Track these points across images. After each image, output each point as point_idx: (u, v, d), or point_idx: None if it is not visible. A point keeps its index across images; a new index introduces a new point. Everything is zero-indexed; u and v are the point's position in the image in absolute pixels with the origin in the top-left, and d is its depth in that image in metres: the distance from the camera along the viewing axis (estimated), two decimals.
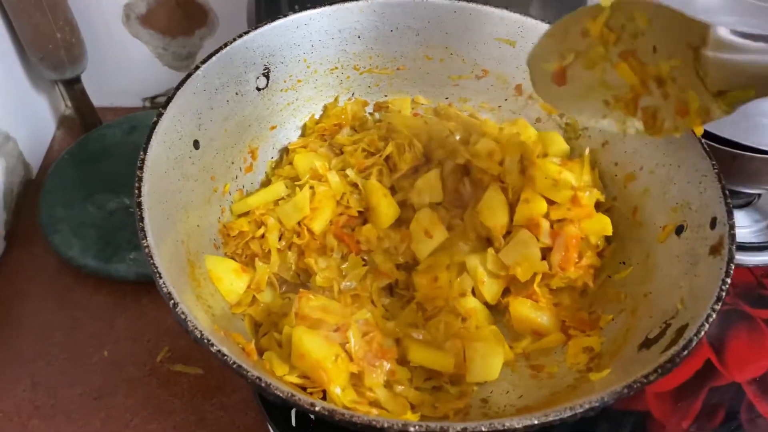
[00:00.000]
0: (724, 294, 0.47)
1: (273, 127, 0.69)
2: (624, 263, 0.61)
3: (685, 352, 0.43)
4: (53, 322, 0.73)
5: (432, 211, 0.63)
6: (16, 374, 0.69)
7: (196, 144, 0.57)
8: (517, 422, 0.38)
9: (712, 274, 0.49)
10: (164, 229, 0.50)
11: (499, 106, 0.73)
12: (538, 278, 0.60)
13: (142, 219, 0.47)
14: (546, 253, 0.61)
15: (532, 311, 0.60)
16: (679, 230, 0.56)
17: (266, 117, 0.67)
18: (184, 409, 0.67)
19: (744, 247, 0.77)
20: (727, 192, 0.53)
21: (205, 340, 0.41)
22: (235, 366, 0.40)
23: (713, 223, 0.52)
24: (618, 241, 0.62)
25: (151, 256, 0.45)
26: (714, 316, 0.45)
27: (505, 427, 0.37)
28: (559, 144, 0.69)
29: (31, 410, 0.66)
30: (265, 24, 0.62)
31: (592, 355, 0.55)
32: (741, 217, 0.80)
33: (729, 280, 0.47)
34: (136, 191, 0.48)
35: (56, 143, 0.94)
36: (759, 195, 0.82)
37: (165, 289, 0.44)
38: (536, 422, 0.38)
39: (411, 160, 0.65)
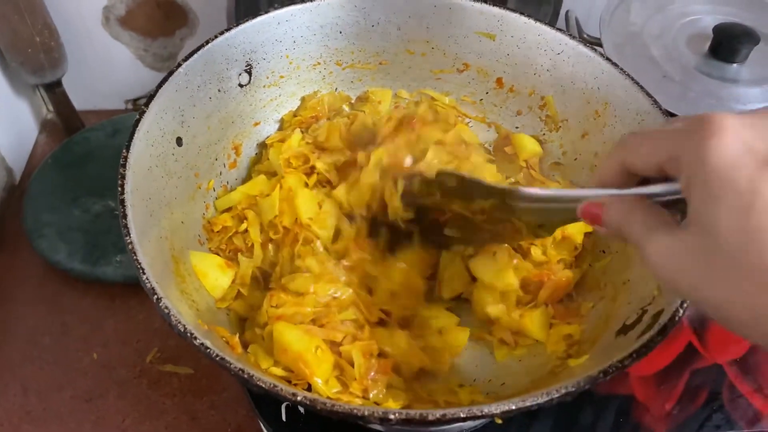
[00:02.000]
0: None
1: (256, 123, 0.69)
2: (604, 252, 0.62)
3: (660, 338, 0.44)
4: (42, 326, 0.73)
5: None
6: (5, 380, 0.69)
7: (179, 141, 0.57)
8: (495, 408, 0.39)
9: None
10: (148, 225, 0.50)
11: (481, 100, 0.73)
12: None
13: (125, 216, 0.47)
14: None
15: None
16: None
17: (249, 113, 0.68)
18: (175, 408, 0.67)
19: None
20: None
21: (189, 334, 0.42)
22: (218, 359, 0.41)
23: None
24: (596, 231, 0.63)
25: (135, 252, 0.45)
26: (686, 303, 0.45)
27: (483, 413, 0.38)
28: (531, 146, 0.70)
29: (23, 415, 0.67)
30: (247, 21, 0.62)
31: (571, 342, 0.56)
32: None
33: None
34: (119, 189, 0.48)
35: (39, 148, 0.93)
36: None
37: (149, 285, 0.44)
38: (513, 407, 0.39)
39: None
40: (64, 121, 0.92)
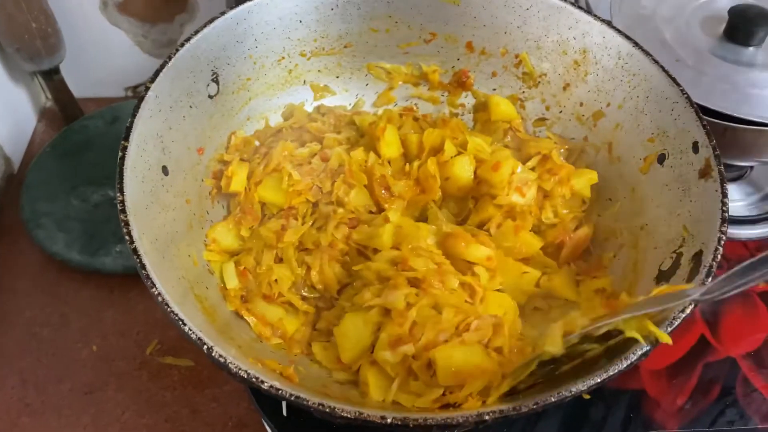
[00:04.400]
0: (726, 215, 0.48)
1: (233, 133, 0.66)
2: (610, 200, 0.62)
3: (709, 279, 0.44)
4: (40, 318, 0.72)
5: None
6: (4, 372, 0.68)
7: (164, 170, 0.55)
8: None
9: (709, 197, 0.50)
10: (165, 269, 0.48)
11: (453, 67, 0.72)
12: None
13: (143, 267, 0.44)
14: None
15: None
16: (661, 159, 0.57)
17: (224, 124, 0.65)
18: (175, 401, 0.66)
19: (737, 221, 0.76)
20: (701, 115, 0.54)
21: (254, 379, 0.40)
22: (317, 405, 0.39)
23: (695, 147, 0.53)
24: (599, 180, 0.63)
25: (168, 304, 0.42)
26: (724, 238, 0.46)
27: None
28: (504, 107, 0.69)
29: (21, 407, 0.66)
30: (205, 26, 0.60)
31: (606, 295, 0.55)
32: (733, 191, 0.79)
33: (727, 201, 0.49)
34: (128, 237, 0.45)
35: (37, 136, 0.92)
36: (751, 168, 0.82)
37: (194, 336, 0.42)
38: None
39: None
40: (63, 109, 0.90)
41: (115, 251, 0.74)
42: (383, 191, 0.63)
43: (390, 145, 0.65)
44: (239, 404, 0.66)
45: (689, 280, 0.46)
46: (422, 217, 0.63)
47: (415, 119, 0.70)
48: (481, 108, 0.72)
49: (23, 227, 0.76)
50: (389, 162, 0.65)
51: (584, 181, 0.62)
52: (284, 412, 0.54)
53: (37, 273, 0.76)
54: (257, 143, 0.66)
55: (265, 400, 0.56)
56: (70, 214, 0.77)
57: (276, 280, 0.58)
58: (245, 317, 0.56)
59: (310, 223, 0.61)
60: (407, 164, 0.64)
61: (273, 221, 0.61)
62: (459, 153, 0.63)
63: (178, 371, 0.68)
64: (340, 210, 0.61)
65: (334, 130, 0.68)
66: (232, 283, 0.57)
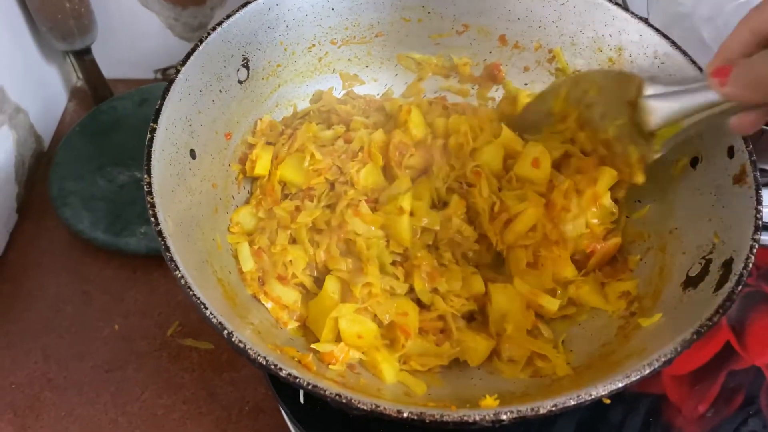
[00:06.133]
0: (760, 223, 0.47)
1: (261, 119, 0.66)
2: (639, 201, 0.61)
3: (739, 288, 0.43)
4: (64, 295, 0.73)
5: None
6: (28, 346, 0.69)
7: (192, 153, 0.55)
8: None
9: (742, 203, 0.49)
10: (189, 252, 0.48)
11: (485, 60, 0.71)
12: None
13: (168, 249, 0.44)
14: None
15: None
16: (694, 162, 0.56)
17: (252, 109, 0.65)
18: (194, 383, 0.67)
19: None
20: None
21: (272, 366, 0.40)
22: (326, 390, 0.39)
23: (731, 152, 0.52)
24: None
25: (190, 287, 0.42)
26: (756, 246, 0.45)
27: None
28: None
29: (44, 383, 0.67)
30: (237, 11, 0.59)
31: (630, 299, 0.55)
32: (767, 196, 0.77)
33: (762, 208, 0.48)
34: (153, 220, 0.45)
35: (68, 115, 0.93)
36: None
37: (215, 320, 0.42)
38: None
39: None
40: (93, 90, 0.91)
41: (140, 232, 0.75)
42: (397, 153, 0.62)
43: (417, 126, 0.64)
44: (256, 389, 0.66)
45: (718, 288, 0.45)
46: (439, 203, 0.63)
47: (445, 107, 0.69)
48: (508, 103, 0.70)
49: (50, 205, 0.77)
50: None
51: (607, 179, 0.59)
52: (301, 399, 0.54)
53: (63, 251, 0.77)
54: (283, 127, 0.66)
55: (282, 387, 0.56)
56: (96, 193, 0.78)
57: (291, 261, 0.58)
58: (263, 301, 0.56)
59: (324, 204, 0.61)
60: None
61: (288, 201, 0.61)
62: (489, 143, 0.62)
63: (198, 353, 0.69)
64: (351, 191, 0.61)
65: (363, 114, 0.68)
66: (248, 264, 0.57)
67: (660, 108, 0.50)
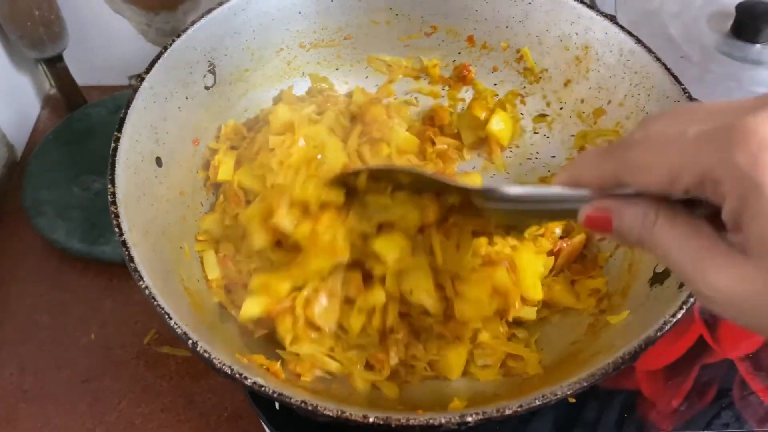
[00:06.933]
0: None
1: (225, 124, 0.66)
2: None
3: None
4: (40, 305, 0.73)
5: None
6: (3, 358, 0.69)
7: (158, 161, 0.55)
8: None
9: None
10: (154, 262, 0.48)
11: (453, 61, 0.71)
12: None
13: (131, 259, 0.44)
14: None
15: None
16: None
17: (220, 115, 0.65)
18: (172, 391, 0.67)
19: None
20: None
21: (238, 375, 0.40)
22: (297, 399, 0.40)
23: None
24: None
25: (154, 298, 0.43)
26: None
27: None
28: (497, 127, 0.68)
29: (19, 394, 0.66)
30: (202, 17, 0.59)
31: (600, 296, 0.55)
32: None
33: None
34: (117, 230, 0.45)
35: (41, 124, 0.92)
36: None
37: (179, 330, 0.43)
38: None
39: None
40: (66, 97, 0.90)
41: (116, 240, 0.74)
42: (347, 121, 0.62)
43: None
44: (234, 396, 0.66)
45: (683, 284, 0.45)
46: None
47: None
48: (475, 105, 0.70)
49: (24, 215, 0.76)
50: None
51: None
52: (276, 406, 0.54)
53: (38, 260, 0.76)
54: (246, 131, 0.66)
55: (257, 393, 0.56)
56: (71, 202, 0.78)
57: (255, 269, 0.57)
58: (229, 309, 0.56)
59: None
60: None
61: (251, 207, 0.60)
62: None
63: (175, 361, 0.69)
64: None
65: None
66: (213, 273, 0.57)
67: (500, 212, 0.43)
